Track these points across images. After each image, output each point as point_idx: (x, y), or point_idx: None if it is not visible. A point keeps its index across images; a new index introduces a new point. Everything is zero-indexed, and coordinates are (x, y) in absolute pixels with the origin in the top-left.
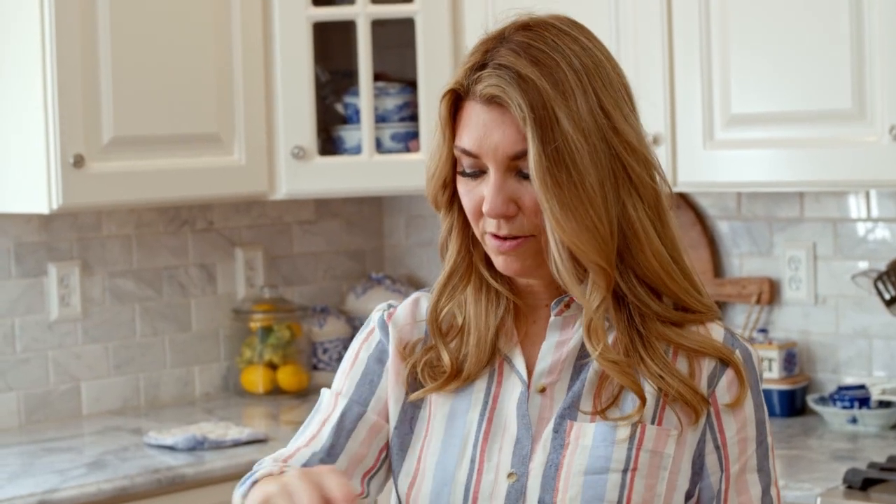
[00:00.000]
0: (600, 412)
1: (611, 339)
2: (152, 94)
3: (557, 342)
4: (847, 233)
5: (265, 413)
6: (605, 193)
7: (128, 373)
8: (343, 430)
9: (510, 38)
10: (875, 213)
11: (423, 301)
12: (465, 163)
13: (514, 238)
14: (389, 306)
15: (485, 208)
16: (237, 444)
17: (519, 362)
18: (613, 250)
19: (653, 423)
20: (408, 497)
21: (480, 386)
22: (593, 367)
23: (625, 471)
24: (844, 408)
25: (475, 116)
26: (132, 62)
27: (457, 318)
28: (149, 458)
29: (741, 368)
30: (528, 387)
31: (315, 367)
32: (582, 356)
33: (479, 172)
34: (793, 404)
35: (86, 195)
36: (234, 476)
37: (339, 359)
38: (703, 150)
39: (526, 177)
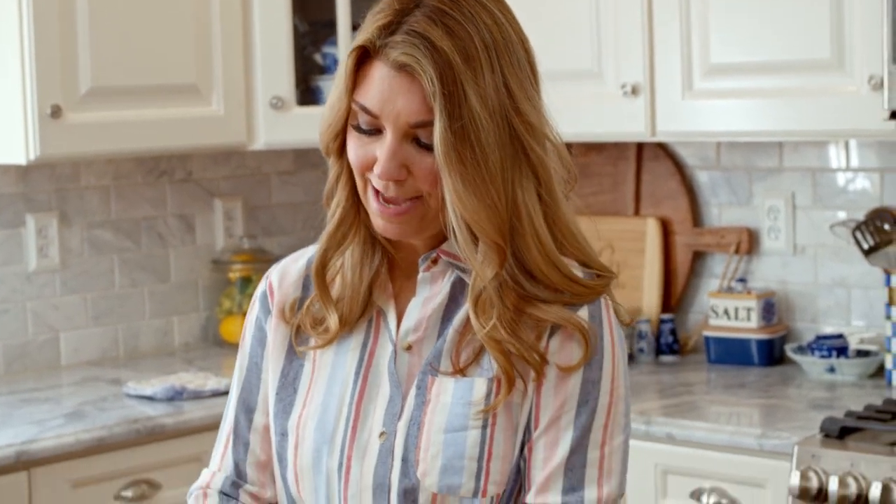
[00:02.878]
0: (460, 370)
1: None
2: (130, 44)
3: (425, 299)
4: (826, 182)
5: None
6: (505, 172)
7: (106, 323)
8: (241, 445)
9: (425, 2)
10: (854, 162)
11: (307, 255)
12: (363, 119)
13: (398, 204)
14: (268, 280)
15: (376, 170)
16: (216, 394)
17: (391, 318)
18: (508, 228)
19: (509, 378)
20: (294, 460)
21: (358, 341)
22: (454, 324)
23: (484, 427)
24: (822, 357)
25: (381, 79)
26: (110, 12)
27: (343, 270)
28: (127, 409)
29: (578, 331)
30: (395, 344)
31: None
32: (447, 313)
33: (374, 131)
34: (771, 354)
35: (63, 146)
36: (213, 426)
37: None
38: (681, 99)
39: (423, 145)
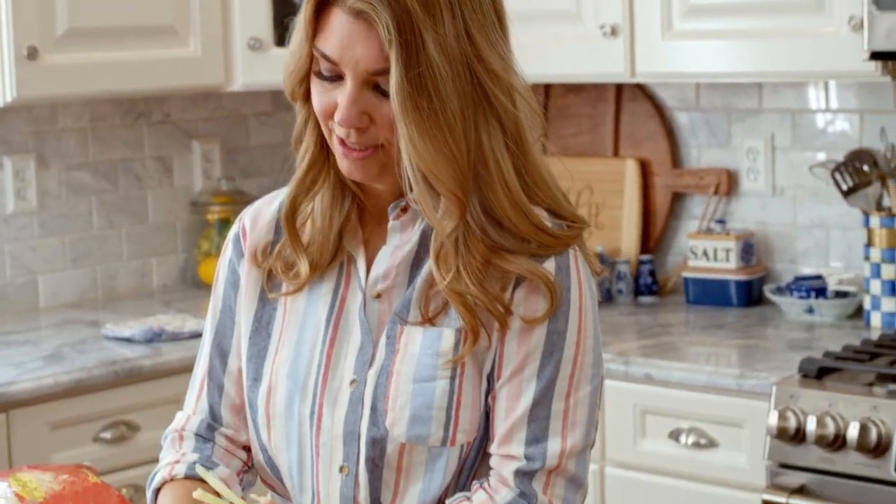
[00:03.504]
0: (429, 319)
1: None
2: None
3: (395, 247)
4: (805, 124)
5: None
6: (466, 122)
7: (85, 265)
8: (215, 389)
9: None
10: (833, 104)
11: (280, 198)
12: (323, 66)
13: (363, 149)
14: (241, 222)
15: (337, 117)
16: (195, 335)
17: (361, 265)
18: (469, 179)
19: (473, 331)
20: (266, 407)
21: (329, 287)
22: (424, 273)
23: (452, 377)
24: (801, 298)
25: (340, 25)
26: None
27: (314, 215)
28: (106, 350)
29: (543, 283)
30: (365, 292)
31: None
32: (416, 261)
33: (335, 78)
34: (750, 294)
35: (40, 87)
36: (192, 368)
37: None
38: (661, 40)
39: (384, 93)
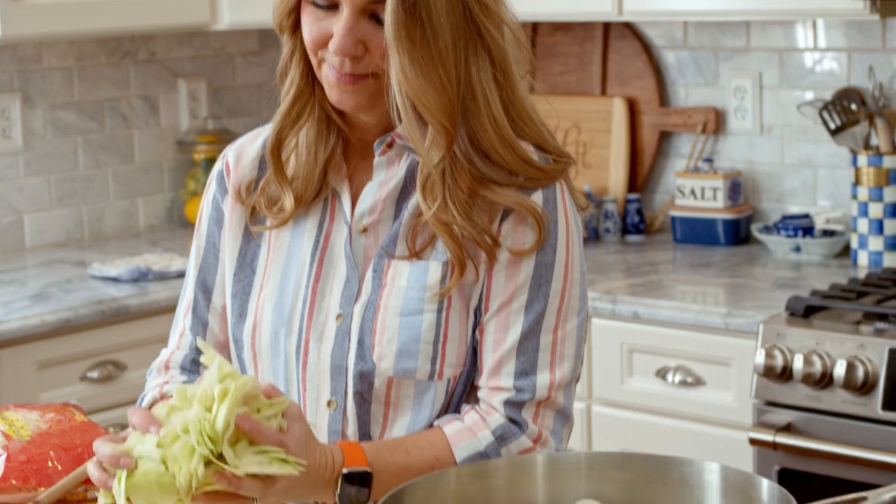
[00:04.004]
0: (416, 253)
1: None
2: None
3: (380, 182)
4: (793, 63)
5: None
6: (457, 54)
7: (71, 205)
8: (199, 325)
9: None
10: (822, 42)
11: (264, 135)
12: None
13: (355, 78)
14: (224, 159)
15: (332, 46)
16: (181, 275)
17: (346, 200)
18: (458, 110)
19: (460, 262)
20: (252, 342)
21: (314, 223)
22: (410, 207)
23: (439, 311)
24: (788, 237)
25: None
26: None
27: (298, 150)
28: (93, 290)
29: (531, 215)
30: (351, 227)
31: None
32: (403, 196)
33: (331, 7)
34: (737, 233)
35: (25, 26)
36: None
37: None
38: None
39: (379, 21)
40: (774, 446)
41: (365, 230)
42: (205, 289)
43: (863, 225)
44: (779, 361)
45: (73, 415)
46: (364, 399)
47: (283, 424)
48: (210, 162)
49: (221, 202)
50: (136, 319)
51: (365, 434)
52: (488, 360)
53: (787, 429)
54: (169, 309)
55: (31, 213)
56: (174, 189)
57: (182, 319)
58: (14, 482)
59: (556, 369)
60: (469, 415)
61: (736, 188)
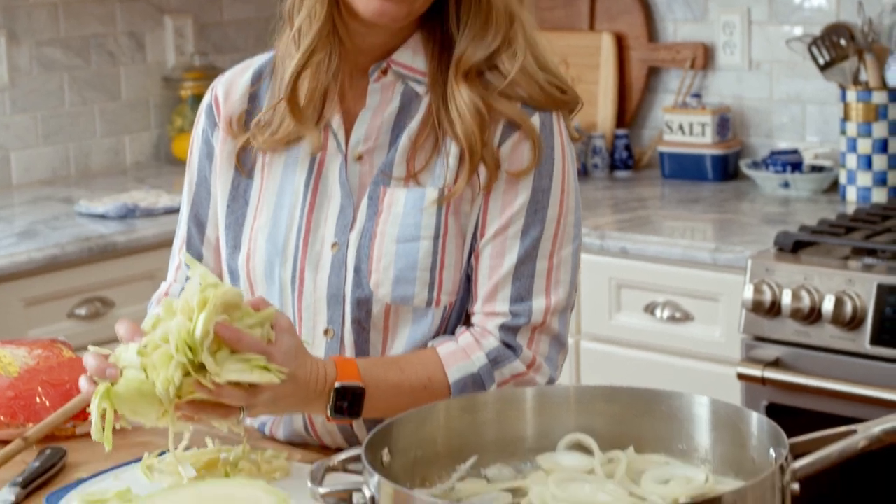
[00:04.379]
0: (413, 176)
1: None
2: None
3: (375, 109)
4: None
5: None
6: None
7: (57, 142)
8: (195, 256)
9: None
10: None
11: (253, 67)
12: None
13: None
14: (213, 92)
15: None
16: (169, 211)
17: (339, 129)
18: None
19: (455, 183)
20: (246, 273)
21: (306, 152)
22: (407, 133)
23: (436, 237)
24: (777, 172)
25: None
26: None
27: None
28: (80, 227)
29: (529, 135)
30: (346, 154)
31: None
32: (398, 123)
33: None
34: (725, 169)
35: None
36: (166, 244)
37: None
38: None
39: None
40: (763, 381)
41: (360, 157)
42: (198, 222)
43: (851, 160)
44: (767, 297)
45: (60, 351)
46: (362, 327)
47: (271, 336)
48: (197, 98)
49: (211, 136)
50: (124, 256)
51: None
52: (484, 285)
53: (776, 364)
54: (156, 245)
55: (18, 151)
56: (161, 126)
57: (178, 253)
58: (2, 418)
59: (551, 295)
60: (463, 336)
61: (724, 124)
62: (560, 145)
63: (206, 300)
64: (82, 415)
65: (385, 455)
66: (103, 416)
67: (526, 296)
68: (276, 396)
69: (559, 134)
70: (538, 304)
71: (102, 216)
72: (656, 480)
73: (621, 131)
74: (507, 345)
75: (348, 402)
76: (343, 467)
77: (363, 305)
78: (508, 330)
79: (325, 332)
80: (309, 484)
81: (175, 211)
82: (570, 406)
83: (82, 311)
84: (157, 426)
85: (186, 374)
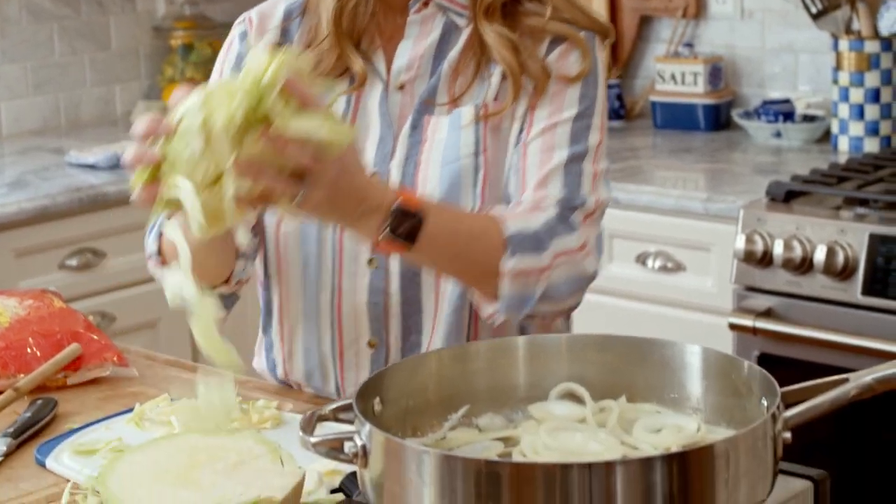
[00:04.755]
0: (453, 101)
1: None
2: None
3: (416, 39)
4: None
5: None
6: None
7: (47, 93)
8: None
9: None
10: None
11: (282, 5)
12: None
13: None
14: (247, 18)
15: None
16: None
17: (379, 60)
18: None
19: (495, 100)
20: (277, 223)
21: (343, 87)
22: (448, 61)
23: (475, 154)
24: (769, 122)
25: None
26: None
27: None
28: (70, 178)
29: (578, 43)
30: (388, 84)
31: None
32: (439, 54)
33: None
34: (717, 119)
35: None
36: None
37: None
38: None
39: None
40: (754, 331)
41: (402, 87)
42: None
43: (843, 110)
44: (759, 246)
45: (51, 301)
46: None
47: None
48: (187, 48)
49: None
50: (114, 207)
51: (407, 290)
52: (534, 175)
53: (767, 314)
54: None
55: (7, 101)
56: (151, 76)
57: None
58: None
59: (598, 193)
60: (521, 205)
61: (716, 73)
62: (602, 66)
63: (274, 59)
64: (73, 365)
65: (376, 404)
66: (152, 182)
67: (576, 188)
68: (341, 170)
69: (600, 55)
70: (589, 197)
71: (93, 166)
72: (648, 429)
73: (613, 81)
74: (562, 220)
75: (405, 225)
76: (334, 416)
77: None
78: (564, 208)
79: (369, 262)
80: (300, 433)
81: None
82: (562, 355)
83: (73, 262)
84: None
85: (248, 126)
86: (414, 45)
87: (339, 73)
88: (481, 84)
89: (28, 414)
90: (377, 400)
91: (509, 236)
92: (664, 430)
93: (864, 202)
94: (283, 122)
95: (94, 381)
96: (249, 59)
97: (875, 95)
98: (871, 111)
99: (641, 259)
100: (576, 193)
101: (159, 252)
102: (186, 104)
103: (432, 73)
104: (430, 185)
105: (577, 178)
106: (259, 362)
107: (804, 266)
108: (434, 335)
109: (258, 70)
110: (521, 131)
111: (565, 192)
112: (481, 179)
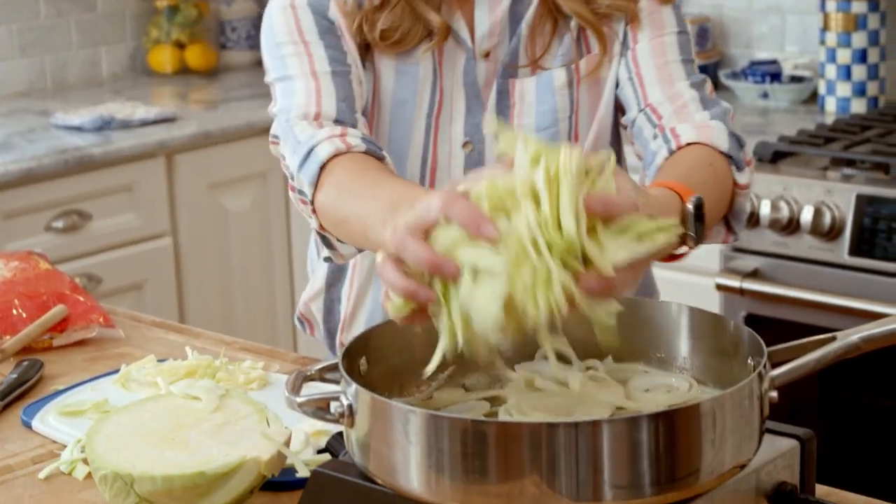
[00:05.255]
0: (535, 62)
1: None
2: None
3: (490, 4)
4: None
5: (173, 93)
6: None
7: (33, 55)
8: (346, 84)
9: None
10: None
11: None
12: None
13: None
14: None
15: None
16: (145, 123)
17: (460, 27)
18: None
19: (582, 57)
20: None
21: (426, 58)
22: (525, 21)
23: (570, 116)
24: (756, 83)
25: None
26: None
27: None
28: (56, 139)
29: None
30: (473, 52)
31: (223, 47)
32: (513, 15)
33: None
34: None
35: None
36: (142, 155)
37: (249, 37)
38: None
39: None
40: (741, 292)
41: (487, 54)
42: (336, 46)
43: (831, 71)
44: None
45: (37, 263)
46: None
47: (611, 184)
48: (173, 9)
49: (327, 10)
50: (101, 168)
51: None
52: (653, 79)
53: (754, 274)
54: (133, 158)
55: None
56: (137, 38)
57: (304, 80)
58: None
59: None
60: (663, 107)
61: (704, 34)
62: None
63: (553, 174)
64: (59, 326)
65: (363, 364)
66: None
67: (701, 82)
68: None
69: None
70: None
71: (79, 128)
72: (639, 390)
73: None
74: (715, 105)
75: (698, 217)
76: (320, 376)
77: None
78: (718, 110)
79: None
80: (286, 393)
81: (151, 123)
82: None
83: (59, 224)
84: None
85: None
86: (490, 11)
87: (418, 38)
88: (560, 42)
89: (14, 375)
90: (363, 360)
91: (727, 150)
92: (653, 391)
93: (851, 163)
94: (603, 260)
95: (80, 343)
96: (516, 165)
97: (862, 56)
98: (859, 72)
99: None
100: (702, 86)
101: (312, 200)
102: (482, 257)
103: (510, 36)
104: None
105: (700, 79)
106: (310, 311)
107: (791, 227)
108: None
109: (539, 201)
110: (622, 64)
111: (693, 78)
112: (573, 136)
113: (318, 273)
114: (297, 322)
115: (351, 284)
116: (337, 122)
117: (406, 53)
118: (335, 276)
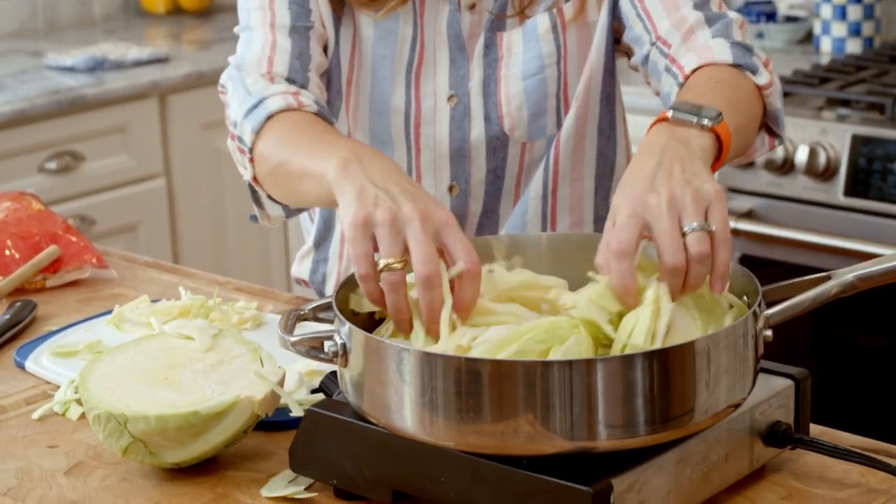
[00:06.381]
0: (522, 11)
1: None
2: None
3: None
4: None
5: (166, 33)
6: None
7: None
8: (303, 41)
9: None
10: None
11: None
12: None
13: None
14: None
15: None
16: (137, 64)
17: None
18: None
19: (567, 0)
20: (348, 127)
21: (406, 10)
22: None
23: (558, 62)
24: (751, 22)
25: None
26: None
27: None
28: (48, 80)
29: None
30: (459, 4)
31: None
32: None
33: None
34: None
35: None
36: (135, 95)
37: None
38: None
39: None
40: (736, 233)
41: (473, 6)
42: (302, 3)
43: (826, 11)
44: None
45: (29, 203)
46: (497, 175)
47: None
48: None
49: None
50: (93, 109)
51: (491, 211)
52: (660, 10)
53: (749, 215)
54: (125, 98)
55: None
56: None
57: (261, 33)
58: None
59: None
60: (671, 36)
61: None
62: None
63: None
64: (52, 267)
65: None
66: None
67: (704, 4)
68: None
69: None
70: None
71: (71, 69)
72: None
73: None
74: (732, 42)
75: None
76: (314, 316)
77: (499, 153)
78: (720, 27)
79: (450, 188)
80: (279, 333)
81: (144, 63)
82: (543, 253)
83: (52, 165)
84: None
85: None
86: None
87: None
88: None
89: (7, 316)
90: (356, 296)
91: (732, 62)
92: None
93: (846, 103)
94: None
95: (73, 284)
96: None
97: None
98: (854, 11)
99: None
100: (706, 4)
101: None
102: None
103: None
104: (514, 101)
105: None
106: (301, 271)
107: (786, 167)
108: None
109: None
110: (614, 5)
111: (697, 9)
112: (563, 83)
113: (309, 235)
114: (294, 283)
115: (342, 242)
116: (289, 80)
117: (383, 7)
118: (323, 235)
